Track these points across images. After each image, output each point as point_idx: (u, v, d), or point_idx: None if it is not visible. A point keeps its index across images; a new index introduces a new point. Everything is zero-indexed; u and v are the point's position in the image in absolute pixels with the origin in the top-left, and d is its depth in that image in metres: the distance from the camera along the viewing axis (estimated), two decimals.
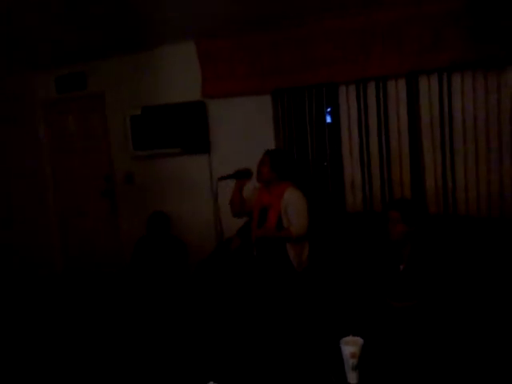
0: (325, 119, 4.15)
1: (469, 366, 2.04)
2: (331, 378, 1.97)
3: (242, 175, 3.43)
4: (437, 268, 2.71)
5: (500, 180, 3.58)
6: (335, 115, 4.14)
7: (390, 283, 2.82)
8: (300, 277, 3.30)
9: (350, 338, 1.99)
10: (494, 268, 2.89)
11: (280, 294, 3.12)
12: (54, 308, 4.46)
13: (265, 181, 3.40)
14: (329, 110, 4.21)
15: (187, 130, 4.49)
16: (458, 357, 2.10)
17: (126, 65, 4.83)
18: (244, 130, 4.33)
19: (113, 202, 5.21)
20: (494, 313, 2.53)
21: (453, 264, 2.79)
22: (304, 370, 2.15)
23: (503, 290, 2.72)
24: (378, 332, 2.33)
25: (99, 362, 3.24)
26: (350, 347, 1.92)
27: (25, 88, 5.26)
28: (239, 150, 4.27)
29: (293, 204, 3.31)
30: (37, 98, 5.37)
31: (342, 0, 3.61)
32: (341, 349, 1.94)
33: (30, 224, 5.23)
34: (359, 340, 1.96)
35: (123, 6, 3.85)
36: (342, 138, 4.05)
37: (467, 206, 3.67)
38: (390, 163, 3.87)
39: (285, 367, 2.22)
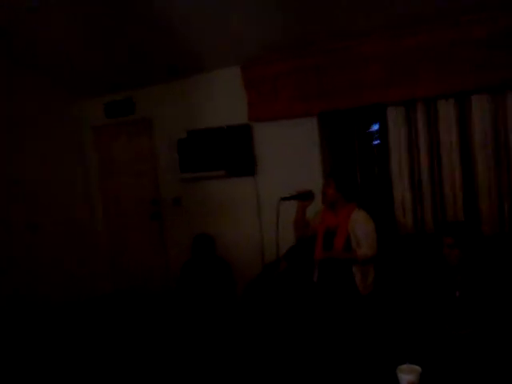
0: (373, 141, 4.09)
1: None
2: None
3: (304, 197, 3.38)
4: (494, 293, 2.59)
5: None
6: (384, 136, 4.07)
7: (446, 310, 2.70)
8: (365, 301, 3.19)
9: (405, 366, 1.91)
10: None
11: (344, 320, 3.01)
12: (100, 328, 4.53)
13: (330, 202, 3.37)
14: (376, 130, 4.15)
15: (233, 152, 4.52)
16: None
17: (173, 90, 4.94)
18: (290, 153, 4.31)
19: (160, 225, 5.29)
20: None
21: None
22: None
23: None
24: (436, 360, 2.23)
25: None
26: (408, 376, 1.84)
27: (76, 114, 5.47)
28: (285, 172, 4.25)
29: (361, 225, 3.26)
30: (87, 123, 5.56)
31: (386, 23, 3.61)
32: (398, 377, 1.87)
33: (80, 246, 5.38)
34: (417, 368, 1.88)
35: (172, 35, 4.00)
36: (391, 159, 3.95)
37: None
38: (442, 184, 3.75)
39: None
